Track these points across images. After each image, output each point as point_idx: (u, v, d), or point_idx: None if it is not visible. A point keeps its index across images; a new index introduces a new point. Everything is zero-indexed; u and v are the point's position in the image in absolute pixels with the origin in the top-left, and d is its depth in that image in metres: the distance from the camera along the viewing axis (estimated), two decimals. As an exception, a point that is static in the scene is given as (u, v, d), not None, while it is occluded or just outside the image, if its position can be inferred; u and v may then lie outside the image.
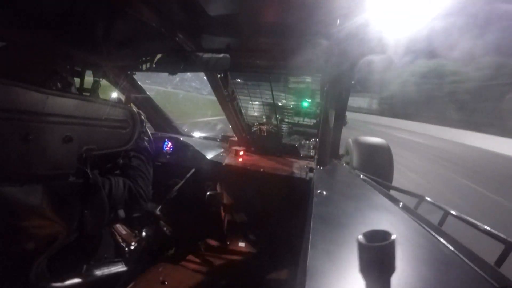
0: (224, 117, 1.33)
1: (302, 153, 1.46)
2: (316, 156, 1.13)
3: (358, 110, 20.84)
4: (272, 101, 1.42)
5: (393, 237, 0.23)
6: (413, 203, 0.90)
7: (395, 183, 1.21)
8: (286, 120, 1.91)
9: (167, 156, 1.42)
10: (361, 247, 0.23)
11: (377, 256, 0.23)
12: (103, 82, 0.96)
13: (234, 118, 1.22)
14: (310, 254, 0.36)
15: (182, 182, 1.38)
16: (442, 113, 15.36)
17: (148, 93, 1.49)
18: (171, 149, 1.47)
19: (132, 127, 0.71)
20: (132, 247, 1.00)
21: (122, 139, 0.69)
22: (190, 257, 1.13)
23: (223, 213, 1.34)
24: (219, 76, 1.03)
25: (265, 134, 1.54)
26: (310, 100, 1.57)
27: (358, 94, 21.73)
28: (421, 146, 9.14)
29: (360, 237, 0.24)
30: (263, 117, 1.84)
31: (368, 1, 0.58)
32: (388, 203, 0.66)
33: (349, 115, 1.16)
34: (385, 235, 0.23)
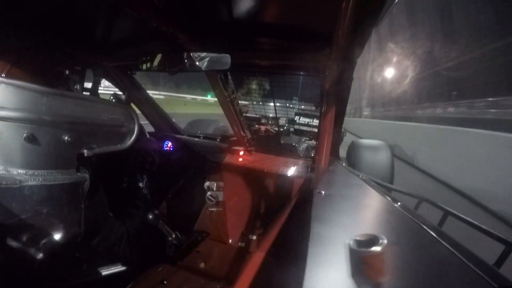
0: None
1: (302, 153, 1.46)
2: (315, 156, 1.13)
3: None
4: (272, 101, 1.42)
5: (382, 242, 0.22)
6: (413, 203, 0.90)
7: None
8: (286, 120, 1.91)
9: (167, 157, 1.42)
10: (350, 252, 0.23)
11: (366, 261, 0.23)
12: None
13: (234, 118, 1.22)
14: (309, 254, 0.36)
15: (182, 182, 1.38)
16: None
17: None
18: (171, 149, 1.47)
19: (132, 126, 0.71)
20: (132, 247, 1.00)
21: (122, 139, 0.69)
22: (190, 257, 1.13)
23: (223, 213, 1.34)
24: (219, 76, 1.02)
25: (265, 134, 1.53)
26: (310, 100, 1.57)
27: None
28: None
29: (350, 241, 0.23)
30: (263, 117, 1.84)
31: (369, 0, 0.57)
32: (388, 203, 0.65)
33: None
34: (376, 239, 0.23)
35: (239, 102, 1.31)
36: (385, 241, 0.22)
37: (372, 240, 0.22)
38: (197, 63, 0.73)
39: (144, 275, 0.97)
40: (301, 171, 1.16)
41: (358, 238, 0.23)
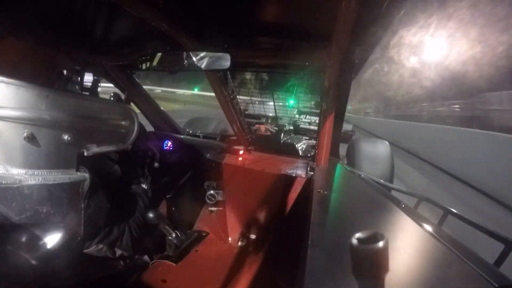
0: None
1: (302, 153, 1.46)
2: (316, 155, 1.13)
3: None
4: (272, 101, 1.42)
5: (384, 239, 0.22)
6: (413, 203, 0.91)
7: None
8: (286, 119, 1.92)
9: (167, 156, 1.42)
10: (352, 249, 0.23)
11: (368, 258, 0.23)
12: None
13: (234, 117, 1.22)
14: (310, 253, 0.37)
15: (182, 182, 1.38)
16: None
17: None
18: (171, 148, 1.46)
19: (132, 126, 0.71)
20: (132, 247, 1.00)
21: (122, 138, 0.69)
22: (190, 256, 1.13)
23: (223, 213, 1.34)
24: (219, 75, 1.02)
25: (265, 133, 1.54)
26: (310, 100, 1.57)
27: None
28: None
29: (353, 238, 0.23)
30: (263, 116, 1.84)
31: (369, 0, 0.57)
32: (387, 202, 0.66)
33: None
34: (378, 236, 0.23)
35: (239, 101, 1.31)
36: (386, 239, 0.22)
37: (373, 237, 0.22)
38: (197, 62, 0.73)
39: (144, 275, 0.97)
40: (301, 170, 1.16)
41: (358, 236, 0.23)
